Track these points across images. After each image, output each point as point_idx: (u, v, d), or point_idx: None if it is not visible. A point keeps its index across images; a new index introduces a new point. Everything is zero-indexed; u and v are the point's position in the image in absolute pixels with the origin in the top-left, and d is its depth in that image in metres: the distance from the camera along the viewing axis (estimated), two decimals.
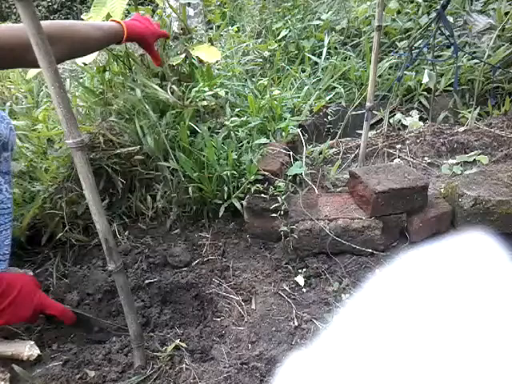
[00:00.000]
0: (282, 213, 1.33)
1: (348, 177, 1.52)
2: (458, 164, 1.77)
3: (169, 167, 1.46)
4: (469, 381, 0.31)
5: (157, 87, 1.46)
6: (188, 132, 1.49)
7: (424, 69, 2.03)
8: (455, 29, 2.32)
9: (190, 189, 1.43)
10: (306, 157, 1.66)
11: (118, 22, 1.14)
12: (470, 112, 1.97)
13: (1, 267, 1.04)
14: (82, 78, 2.03)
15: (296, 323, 1.11)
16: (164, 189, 1.48)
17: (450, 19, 2.29)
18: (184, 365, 0.95)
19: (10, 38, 0.84)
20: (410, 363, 0.33)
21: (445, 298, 0.35)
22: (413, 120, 2.06)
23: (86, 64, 1.42)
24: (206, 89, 1.59)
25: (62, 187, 1.37)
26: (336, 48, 2.43)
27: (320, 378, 0.37)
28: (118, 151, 1.40)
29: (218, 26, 3.05)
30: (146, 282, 1.23)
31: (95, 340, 1.04)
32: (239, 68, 2.13)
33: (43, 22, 0.67)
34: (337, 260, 1.32)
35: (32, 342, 0.97)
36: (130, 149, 1.41)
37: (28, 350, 0.95)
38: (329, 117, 2.05)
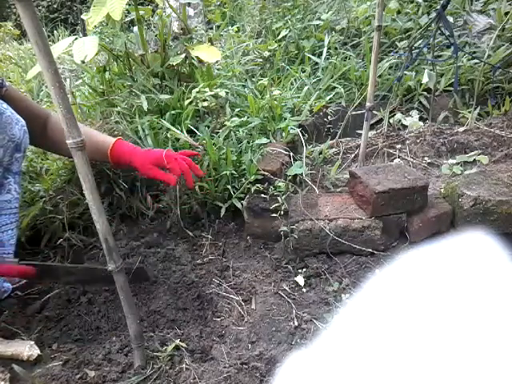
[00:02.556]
0: (282, 213, 1.32)
1: (348, 177, 1.52)
2: (458, 164, 1.76)
3: None
4: (469, 379, 0.31)
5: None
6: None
7: (424, 69, 2.03)
8: (455, 29, 2.32)
9: (190, 189, 1.43)
10: (306, 157, 1.66)
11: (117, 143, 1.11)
12: (470, 112, 1.97)
13: None
14: (81, 77, 2.03)
15: (296, 323, 1.11)
16: (165, 189, 1.48)
17: (450, 19, 2.29)
18: (184, 365, 0.95)
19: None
20: (409, 362, 0.33)
21: (445, 297, 0.35)
22: (413, 120, 2.06)
23: (83, 62, 1.42)
24: (207, 89, 1.59)
25: (64, 190, 1.37)
26: (336, 48, 2.43)
27: (320, 378, 0.37)
28: None
29: (218, 26, 3.06)
30: (146, 282, 1.23)
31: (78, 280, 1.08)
32: (239, 68, 2.13)
33: None
34: (337, 260, 1.32)
35: (32, 342, 0.97)
36: None
37: (28, 349, 0.95)
38: (329, 117, 2.05)
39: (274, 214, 1.33)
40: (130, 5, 1.68)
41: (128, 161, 1.14)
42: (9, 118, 0.99)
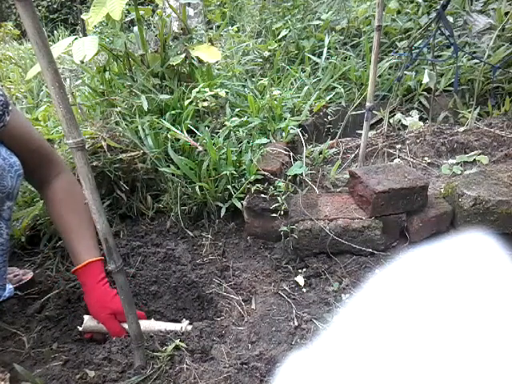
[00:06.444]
0: (282, 213, 1.33)
1: (348, 177, 1.52)
2: (458, 164, 1.77)
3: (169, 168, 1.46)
4: (468, 379, 0.31)
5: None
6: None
7: (424, 69, 2.03)
8: (455, 29, 2.32)
9: (190, 190, 1.43)
10: (306, 157, 1.66)
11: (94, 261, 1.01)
12: (469, 112, 1.97)
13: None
14: (81, 77, 2.03)
15: (296, 323, 1.11)
16: (165, 189, 1.48)
17: (450, 19, 2.29)
18: (184, 365, 0.95)
19: None
20: (409, 362, 0.33)
21: (445, 297, 0.35)
22: (413, 120, 2.06)
23: (83, 62, 1.42)
24: (207, 89, 1.59)
25: None
26: (336, 48, 2.43)
27: (320, 378, 0.37)
28: (121, 156, 1.40)
29: (218, 26, 3.06)
30: (146, 282, 1.22)
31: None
32: (239, 68, 2.14)
33: None
34: (337, 260, 1.32)
35: None
36: (133, 154, 1.41)
37: None
38: (329, 117, 2.05)
39: (274, 214, 1.33)
40: (130, 5, 1.69)
41: (87, 292, 1.01)
42: None
